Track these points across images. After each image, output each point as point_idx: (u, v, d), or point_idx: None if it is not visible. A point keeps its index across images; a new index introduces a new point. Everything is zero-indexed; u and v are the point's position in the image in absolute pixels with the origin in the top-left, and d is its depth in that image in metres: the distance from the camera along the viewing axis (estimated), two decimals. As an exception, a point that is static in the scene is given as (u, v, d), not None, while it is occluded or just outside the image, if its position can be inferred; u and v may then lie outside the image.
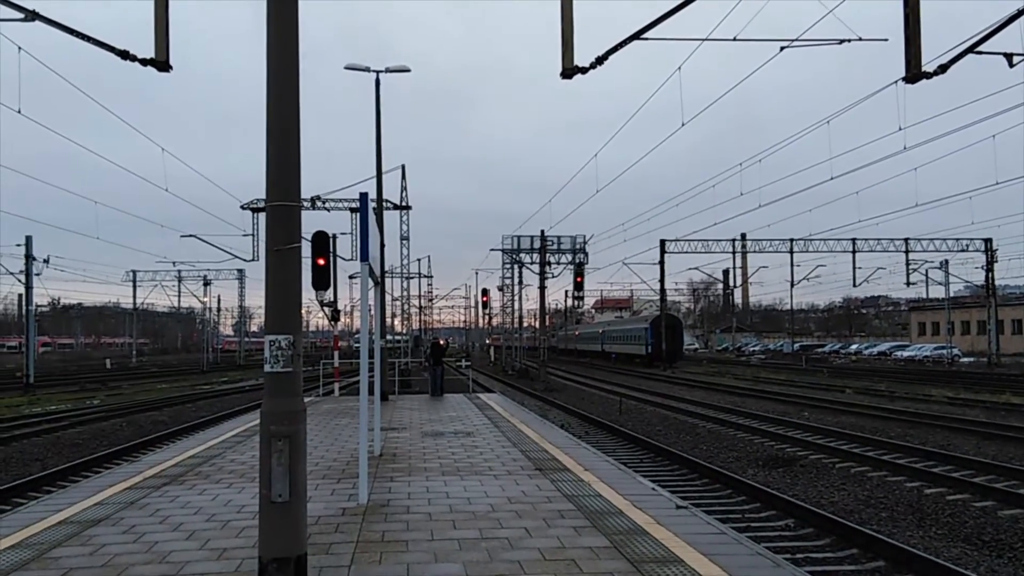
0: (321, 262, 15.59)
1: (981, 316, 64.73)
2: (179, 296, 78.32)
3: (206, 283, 75.82)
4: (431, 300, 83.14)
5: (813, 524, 10.09)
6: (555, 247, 50.83)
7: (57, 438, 19.70)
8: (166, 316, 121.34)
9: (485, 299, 64.00)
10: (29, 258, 44.17)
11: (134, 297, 77.72)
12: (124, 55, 8.94)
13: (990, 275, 57.31)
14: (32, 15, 9.14)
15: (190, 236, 41.78)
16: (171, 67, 8.80)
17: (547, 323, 62.43)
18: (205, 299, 79.11)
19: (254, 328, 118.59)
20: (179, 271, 71.19)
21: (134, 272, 75.31)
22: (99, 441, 19.31)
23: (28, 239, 44.39)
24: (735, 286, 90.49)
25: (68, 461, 15.99)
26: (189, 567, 6.15)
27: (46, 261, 46.11)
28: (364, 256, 8.89)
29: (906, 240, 56.64)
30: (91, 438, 19.75)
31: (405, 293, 63.43)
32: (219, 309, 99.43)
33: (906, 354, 69.07)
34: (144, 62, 8.78)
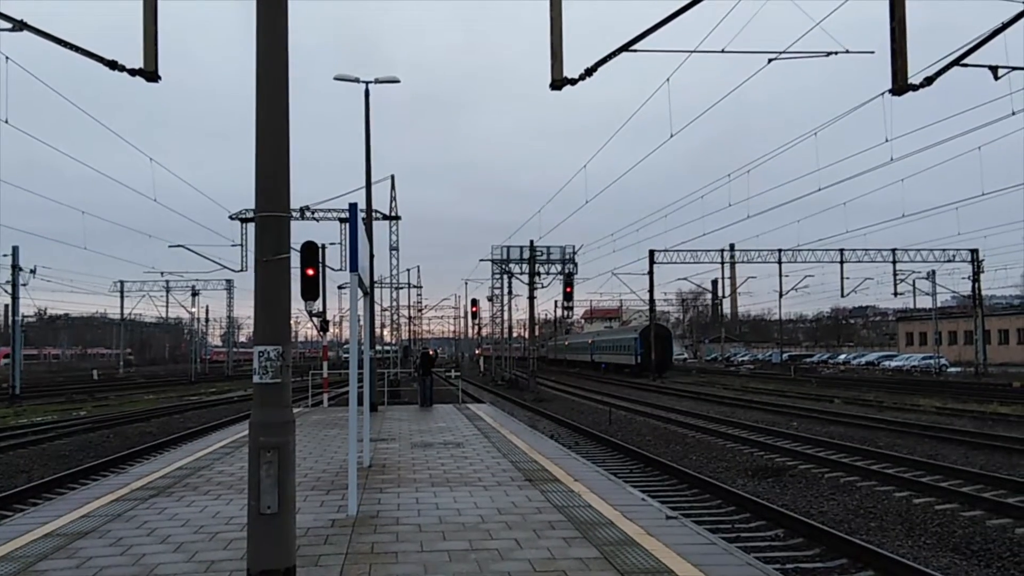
0: (310, 272, 15.53)
1: (968, 326, 65.12)
2: (167, 307, 77.93)
3: (194, 293, 75.51)
4: (420, 310, 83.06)
5: (803, 534, 10.10)
6: (544, 257, 50.86)
7: (43, 450, 19.53)
8: (154, 327, 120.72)
9: (475, 309, 64.01)
10: (16, 268, 43.93)
11: (121, 308, 77.34)
12: (112, 65, 8.92)
13: (977, 285, 57.68)
14: (20, 25, 9.11)
15: (178, 246, 41.62)
16: (159, 77, 8.78)
17: (536, 333, 62.41)
18: (193, 310, 78.77)
19: (242, 339, 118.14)
20: (167, 281, 70.98)
21: (121, 283, 74.93)
22: (86, 452, 19.16)
23: (15, 249, 44.18)
24: (724, 296, 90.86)
25: (54, 473, 15.85)
26: (176, 580, 6.11)
27: (33, 271, 45.88)
28: (353, 266, 8.89)
29: (893, 251, 56.95)
30: (77, 449, 19.59)
31: (394, 303, 63.42)
32: (207, 320, 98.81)
33: (894, 364, 69.34)
34: (132, 72, 8.76)
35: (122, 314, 78.98)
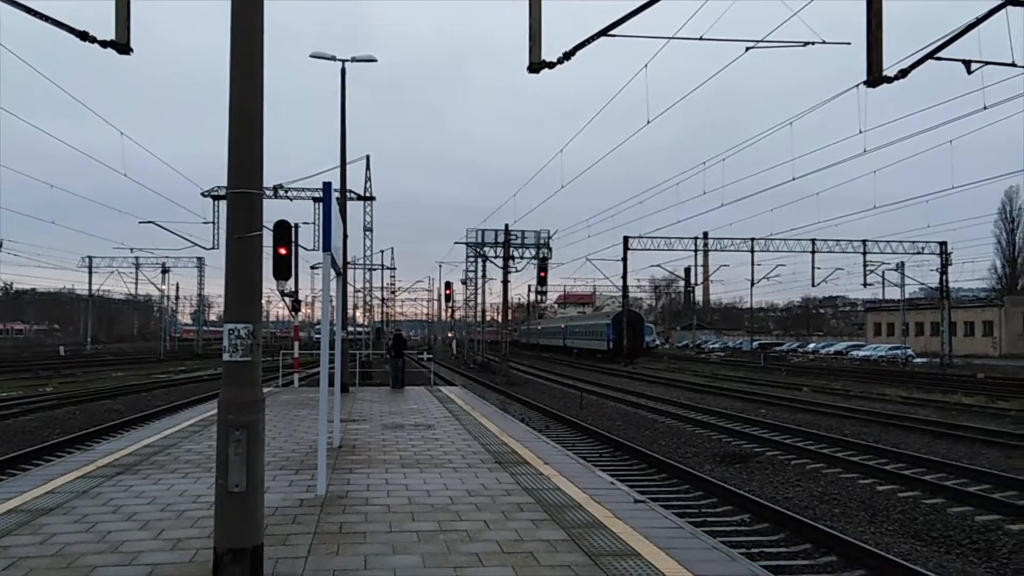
0: (282, 251, 15.40)
1: (935, 318, 65.92)
2: (136, 283, 77.06)
3: (164, 270, 74.57)
4: (394, 292, 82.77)
5: (768, 519, 10.24)
6: (519, 242, 50.84)
7: (7, 426, 19.29)
8: (122, 303, 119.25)
9: (448, 292, 63.91)
10: (-19, 241, 43.23)
11: (89, 284, 76.28)
12: (83, 36, 8.73)
13: (944, 278, 58.41)
14: (-13, -8, 8.89)
15: (149, 222, 41.04)
16: (131, 49, 8.61)
17: (510, 317, 62.42)
18: (163, 287, 77.87)
19: (213, 317, 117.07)
20: (137, 258, 70.09)
21: (90, 258, 73.88)
22: (51, 429, 18.95)
23: (-20, 222, 43.48)
24: (696, 284, 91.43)
25: (19, 449, 15.66)
26: (143, 557, 6.06)
27: (-1, 245, 45.20)
28: (326, 246, 8.83)
29: (864, 242, 57.52)
30: (43, 426, 19.37)
31: (367, 284, 63.13)
32: (177, 297, 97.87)
33: (861, 354, 70.21)
34: (104, 44, 8.59)
35: (90, 290, 77.98)
